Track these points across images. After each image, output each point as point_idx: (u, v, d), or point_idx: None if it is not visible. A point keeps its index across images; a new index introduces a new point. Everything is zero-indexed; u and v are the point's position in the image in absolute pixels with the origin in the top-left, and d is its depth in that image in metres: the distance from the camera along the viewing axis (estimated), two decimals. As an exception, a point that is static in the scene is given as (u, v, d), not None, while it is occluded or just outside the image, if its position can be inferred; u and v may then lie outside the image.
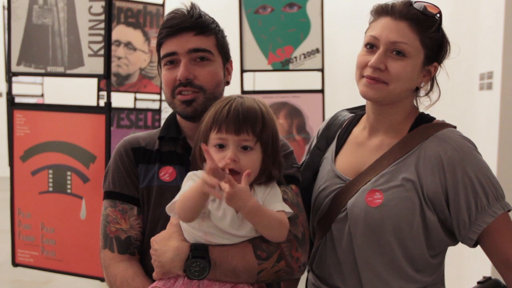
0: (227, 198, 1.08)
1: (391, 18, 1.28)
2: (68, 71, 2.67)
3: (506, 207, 1.24)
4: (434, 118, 1.36)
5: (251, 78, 4.82)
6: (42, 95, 7.31)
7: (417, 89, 1.35)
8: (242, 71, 3.91)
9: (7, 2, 2.77)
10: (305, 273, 1.45)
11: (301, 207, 1.31)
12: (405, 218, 1.25)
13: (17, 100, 2.92)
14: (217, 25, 1.38)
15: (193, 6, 1.35)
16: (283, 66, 3.94)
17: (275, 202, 1.21)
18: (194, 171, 1.23)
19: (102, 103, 3.44)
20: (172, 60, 1.33)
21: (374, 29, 1.30)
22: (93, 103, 4.75)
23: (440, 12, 1.30)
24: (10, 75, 2.88)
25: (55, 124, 2.71)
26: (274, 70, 3.98)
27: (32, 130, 2.76)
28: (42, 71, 2.76)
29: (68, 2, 2.63)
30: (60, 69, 2.69)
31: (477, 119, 3.13)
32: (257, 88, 4.47)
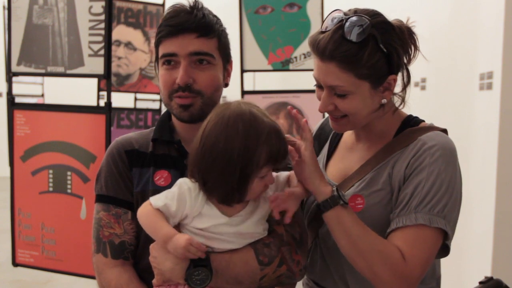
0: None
1: (319, 59, 1.21)
2: (68, 71, 2.67)
3: (435, 223, 1.16)
4: (422, 121, 1.32)
5: (251, 78, 4.82)
6: (42, 95, 7.32)
7: (383, 105, 1.27)
8: (242, 71, 3.91)
9: (7, 2, 2.77)
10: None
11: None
12: (387, 222, 1.22)
13: (17, 100, 2.92)
14: (220, 25, 1.33)
15: (196, 3, 1.29)
16: (283, 66, 3.94)
17: None
18: (186, 179, 1.18)
19: (102, 103, 3.44)
20: (170, 60, 1.28)
21: (314, 68, 1.25)
22: (93, 103, 4.75)
23: (372, 23, 1.17)
24: (10, 75, 2.88)
25: (55, 124, 2.71)
26: (274, 70, 3.98)
27: (32, 130, 2.76)
28: (42, 71, 2.76)
29: (68, 2, 2.63)
30: (60, 69, 2.69)
31: (477, 119, 3.13)
32: (257, 88, 4.47)
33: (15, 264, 2.90)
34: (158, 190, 1.29)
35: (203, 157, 1.11)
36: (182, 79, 1.25)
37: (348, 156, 1.38)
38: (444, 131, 1.29)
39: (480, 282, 1.27)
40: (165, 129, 1.37)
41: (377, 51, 1.18)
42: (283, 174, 1.25)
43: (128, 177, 1.33)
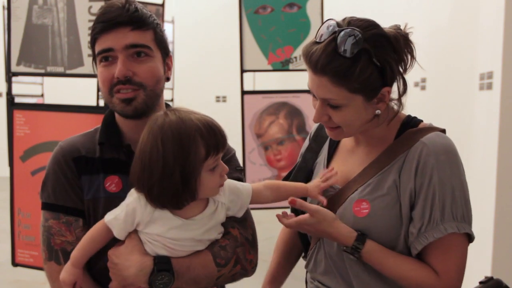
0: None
1: (312, 72, 1.20)
2: (68, 71, 2.68)
3: (463, 229, 1.20)
4: (421, 121, 1.32)
5: (251, 78, 4.81)
6: (42, 95, 7.31)
7: (377, 115, 1.27)
8: (242, 71, 3.91)
9: (7, 2, 2.77)
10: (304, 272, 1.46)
11: (247, 209, 1.33)
12: (392, 227, 1.23)
13: (17, 100, 2.92)
14: (155, 19, 1.32)
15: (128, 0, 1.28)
16: (283, 66, 3.93)
17: (245, 196, 1.25)
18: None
19: (101, 103, 3.44)
20: (107, 57, 1.26)
21: (308, 79, 1.24)
22: (93, 103, 4.74)
23: (365, 37, 1.16)
24: (10, 75, 2.88)
25: (55, 124, 2.71)
26: (274, 70, 3.98)
27: (32, 130, 2.76)
28: (42, 71, 2.76)
29: (68, 2, 2.64)
30: (60, 69, 2.69)
31: (477, 119, 3.13)
32: (257, 88, 4.47)
33: (14, 264, 2.90)
34: (110, 196, 1.28)
35: (143, 170, 1.13)
36: (120, 72, 1.23)
37: (349, 159, 1.37)
38: (443, 131, 1.28)
39: (480, 282, 1.27)
40: (111, 131, 1.34)
41: (369, 65, 1.17)
42: (245, 187, 1.28)
43: (78, 185, 1.31)
